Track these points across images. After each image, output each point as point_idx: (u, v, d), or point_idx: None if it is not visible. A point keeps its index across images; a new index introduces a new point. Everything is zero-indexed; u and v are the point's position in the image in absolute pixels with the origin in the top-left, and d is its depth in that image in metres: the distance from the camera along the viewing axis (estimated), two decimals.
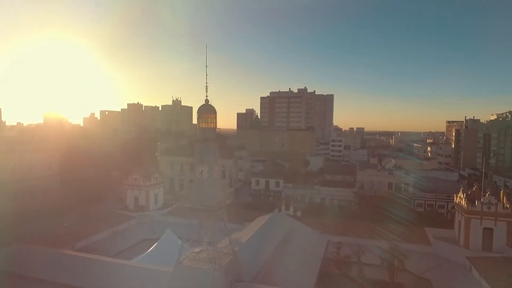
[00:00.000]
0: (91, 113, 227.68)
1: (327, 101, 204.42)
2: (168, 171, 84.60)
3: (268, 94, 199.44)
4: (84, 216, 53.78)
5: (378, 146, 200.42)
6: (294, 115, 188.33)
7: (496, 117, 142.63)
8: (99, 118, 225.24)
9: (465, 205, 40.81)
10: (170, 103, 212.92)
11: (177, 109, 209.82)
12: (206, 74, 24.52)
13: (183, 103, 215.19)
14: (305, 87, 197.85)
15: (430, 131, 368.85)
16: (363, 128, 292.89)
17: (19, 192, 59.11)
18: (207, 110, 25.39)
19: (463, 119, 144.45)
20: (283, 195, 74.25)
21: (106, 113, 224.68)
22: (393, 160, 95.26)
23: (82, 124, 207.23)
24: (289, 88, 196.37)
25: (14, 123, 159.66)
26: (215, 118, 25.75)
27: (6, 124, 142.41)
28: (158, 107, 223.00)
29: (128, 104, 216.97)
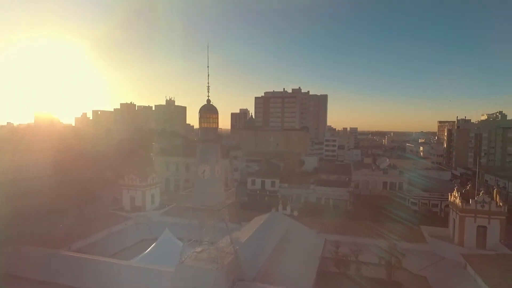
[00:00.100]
0: (83, 113, 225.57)
1: (321, 101, 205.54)
2: (163, 171, 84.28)
3: (263, 94, 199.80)
4: (80, 216, 53.30)
5: (371, 146, 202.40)
6: (288, 115, 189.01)
7: (486, 118, 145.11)
8: (91, 118, 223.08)
9: (460, 203, 41.53)
10: (164, 103, 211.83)
11: (171, 109, 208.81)
12: (208, 74, 24.64)
13: (176, 103, 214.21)
14: (299, 87, 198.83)
15: (422, 131, 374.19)
16: (357, 128, 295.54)
17: (12, 192, 58.21)
18: (209, 110, 25.47)
19: (455, 119, 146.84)
20: (279, 194, 74.59)
21: (99, 113, 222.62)
22: (388, 160, 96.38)
23: (73, 124, 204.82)
24: (283, 88, 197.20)
25: (4, 123, 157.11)
26: (217, 118, 25.85)
27: None
28: (152, 107, 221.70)
29: (121, 104, 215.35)
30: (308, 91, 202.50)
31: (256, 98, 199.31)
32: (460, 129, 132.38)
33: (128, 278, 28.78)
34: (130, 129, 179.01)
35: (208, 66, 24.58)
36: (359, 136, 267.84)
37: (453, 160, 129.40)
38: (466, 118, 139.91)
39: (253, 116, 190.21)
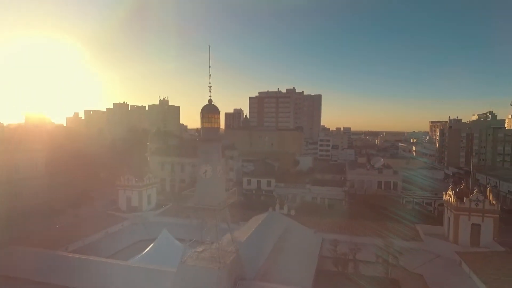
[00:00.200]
0: (74, 113, 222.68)
1: (315, 101, 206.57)
2: (158, 172, 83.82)
3: (257, 94, 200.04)
4: (75, 217, 52.83)
5: (364, 146, 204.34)
6: (283, 115, 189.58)
7: (477, 118, 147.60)
8: (83, 118, 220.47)
9: (454, 202, 42.33)
10: (157, 102, 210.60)
11: (164, 109, 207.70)
12: (210, 75, 24.62)
13: (170, 103, 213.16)
14: (293, 87, 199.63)
15: (414, 131, 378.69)
16: (350, 128, 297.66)
17: (5, 193, 57.38)
18: (211, 110, 25.54)
19: (446, 120, 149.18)
20: (275, 194, 74.89)
21: (91, 112, 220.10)
22: (382, 160, 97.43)
23: (65, 124, 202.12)
24: (278, 88, 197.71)
25: None
26: (219, 118, 25.95)
27: None
28: (145, 106, 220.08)
29: (114, 104, 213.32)
30: (302, 91, 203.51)
31: (250, 98, 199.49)
32: (452, 129, 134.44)
33: (128, 278, 28.70)
34: (123, 129, 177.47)
35: (210, 67, 24.62)
36: (352, 136, 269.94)
37: (445, 159, 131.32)
38: (458, 118, 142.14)
39: (248, 116, 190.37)
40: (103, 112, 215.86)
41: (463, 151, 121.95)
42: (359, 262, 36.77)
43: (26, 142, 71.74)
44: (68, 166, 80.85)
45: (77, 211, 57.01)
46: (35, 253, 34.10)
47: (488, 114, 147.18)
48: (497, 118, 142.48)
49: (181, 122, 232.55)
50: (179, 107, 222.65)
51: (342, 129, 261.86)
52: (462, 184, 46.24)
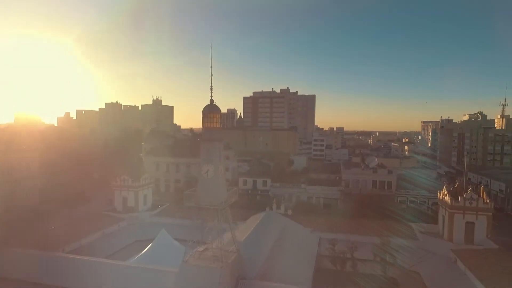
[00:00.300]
0: (66, 113, 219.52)
1: (309, 101, 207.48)
2: (153, 172, 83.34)
3: (251, 94, 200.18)
4: (71, 218, 52.17)
5: (357, 146, 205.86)
6: (277, 115, 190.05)
7: (468, 118, 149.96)
8: (75, 118, 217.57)
9: (449, 200, 43.07)
10: (150, 102, 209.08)
11: (158, 109, 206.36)
12: (211, 75, 24.65)
13: (163, 103, 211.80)
14: (287, 87, 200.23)
15: (405, 131, 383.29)
16: (343, 128, 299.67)
17: None
18: (212, 110, 25.59)
19: (437, 119, 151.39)
20: (271, 194, 75.14)
21: (83, 112, 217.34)
22: (376, 159, 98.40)
23: (56, 124, 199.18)
24: (272, 88, 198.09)
25: None
26: (220, 118, 25.99)
27: None
28: (138, 106, 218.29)
29: (106, 104, 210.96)
30: (296, 91, 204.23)
31: (244, 98, 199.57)
32: (444, 128, 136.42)
33: (128, 278, 28.56)
34: (116, 129, 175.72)
35: (211, 67, 24.64)
36: (345, 136, 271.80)
37: (437, 159, 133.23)
38: (449, 118, 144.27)
39: (242, 116, 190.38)
40: (95, 112, 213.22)
41: (455, 151, 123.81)
42: (357, 261, 37.15)
43: (17, 142, 70.60)
44: (61, 167, 79.81)
45: (71, 212, 56.29)
46: (31, 254, 33.68)
47: (478, 114, 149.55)
48: (487, 118, 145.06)
49: (174, 122, 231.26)
50: (172, 107, 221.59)
51: (335, 129, 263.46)
52: (456, 183, 47.09)
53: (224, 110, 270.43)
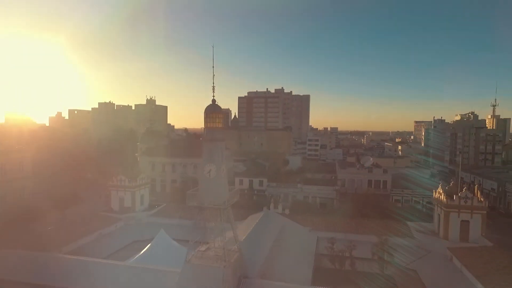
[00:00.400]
0: (57, 112, 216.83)
1: (303, 101, 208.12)
2: (149, 172, 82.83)
3: (246, 94, 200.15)
4: (66, 219, 51.63)
5: (351, 145, 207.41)
6: (272, 115, 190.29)
7: (460, 118, 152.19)
8: (67, 118, 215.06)
9: (444, 199, 43.78)
10: (144, 102, 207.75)
11: (152, 109, 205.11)
12: (213, 75, 24.72)
13: (157, 103, 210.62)
14: (282, 88, 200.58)
15: (398, 131, 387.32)
16: (337, 128, 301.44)
17: None
18: (215, 110, 25.64)
19: (429, 119, 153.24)
20: (267, 194, 75.27)
21: (75, 112, 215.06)
22: (371, 159, 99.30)
23: (47, 124, 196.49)
24: (267, 88, 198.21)
25: None
26: (222, 117, 26.07)
27: None
28: (132, 106, 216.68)
29: (99, 103, 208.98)
30: (291, 91, 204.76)
31: (239, 98, 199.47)
32: (437, 128, 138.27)
33: (128, 278, 28.43)
34: (109, 129, 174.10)
35: (213, 67, 24.69)
36: (339, 136, 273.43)
37: (430, 158, 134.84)
38: (442, 119, 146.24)
39: (237, 116, 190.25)
40: (88, 111, 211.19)
41: (448, 150, 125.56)
42: (355, 259, 37.51)
43: (9, 142, 69.44)
44: (54, 167, 78.81)
45: (66, 212, 55.69)
46: (29, 255, 33.31)
47: (470, 114, 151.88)
48: (479, 118, 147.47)
49: (168, 122, 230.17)
50: (166, 106, 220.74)
51: (329, 129, 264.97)
52: (451, 182, 47.87)
53: None
